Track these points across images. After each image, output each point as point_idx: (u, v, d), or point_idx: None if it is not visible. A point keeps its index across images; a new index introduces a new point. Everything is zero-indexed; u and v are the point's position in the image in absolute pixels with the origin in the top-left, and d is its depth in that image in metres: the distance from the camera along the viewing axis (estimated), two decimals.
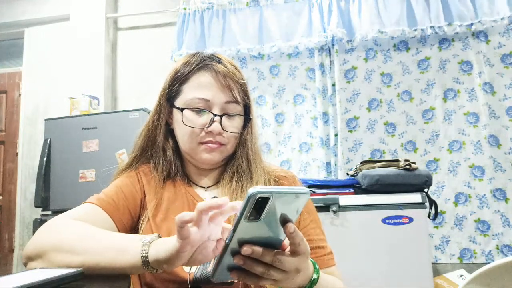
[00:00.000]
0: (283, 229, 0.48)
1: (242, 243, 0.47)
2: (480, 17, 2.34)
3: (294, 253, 0.50)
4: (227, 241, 0.46)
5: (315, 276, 0.59)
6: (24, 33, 3.21)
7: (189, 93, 0.78)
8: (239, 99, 0.80)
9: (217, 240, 0.54)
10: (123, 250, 0.57)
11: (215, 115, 0.77)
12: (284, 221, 0.47)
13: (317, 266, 0.61)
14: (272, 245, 0.50)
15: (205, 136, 0.77)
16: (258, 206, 0.44)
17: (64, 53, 2.99)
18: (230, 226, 0.53)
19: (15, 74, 3.22)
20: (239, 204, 0.48)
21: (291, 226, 0.47)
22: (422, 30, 2.38)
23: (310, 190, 1.75)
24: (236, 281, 0.51)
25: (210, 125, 0.76)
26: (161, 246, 0.54)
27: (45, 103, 3.05)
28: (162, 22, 2.97)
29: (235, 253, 0.48)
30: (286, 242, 0.50)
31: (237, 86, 0.80)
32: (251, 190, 0.43)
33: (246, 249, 0.47)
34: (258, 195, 0.43)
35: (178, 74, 0.80)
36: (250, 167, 0.81)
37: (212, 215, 0.49)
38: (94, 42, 2.88)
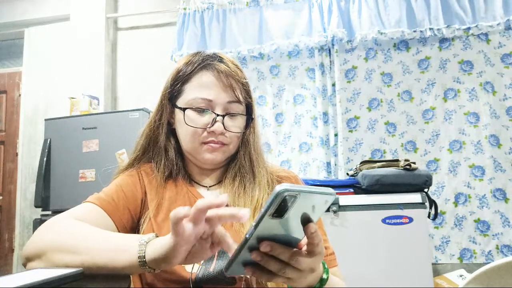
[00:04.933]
0: (304, 229, 0.47)
1: (260, 239, 0.47)
2: (477, 21, 2.34)
3: (311, 253, 0.50)
4: (247, 235, 0.46)
5: (324, 276, 0.59)
6: (24, 33, 3.21)
7: (191, 93, 0.78)
8: (241, 98, 0.79)
9: (212, 241, 0.53)
10: (121, 250, 0.56)
11: (218, 115, 0.77)
12: (306, 220, 0.47)
13: (326, 266, 0.61)
14: (289, 243, 0.49)
15: (207, 136, 0.77)
16: (281, 204, 0.43)
17: (64, 53, 2.99)
18: (222, 229, 0.52)
19: (15, 74, 3.22)
20: (239, 211, 0.48)
21: (312, 226, 0.47)
22: (421, 31, 2.39)
23: None
24: (249, 276, 0.51)
25: (213, 125, 0.76)
26: (157, 245, 0.53)
27: (45, 103, 3.05)
28: (162, 22, 2.96)
29: (253, 248, 0.48)
30: (303, 241, 0.50)
31: (239, 86, 0.79)
32: (279, 187, 0.42)
33: (266, 246, 0.47)
34: (286, 193, 0.42)
35: (180, 73, 0.80)
36: (252, 167, 0.81)
37: (209, 219, 0.49)
38: (94, 42, 2.88)
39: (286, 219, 0.45)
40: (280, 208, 0.44)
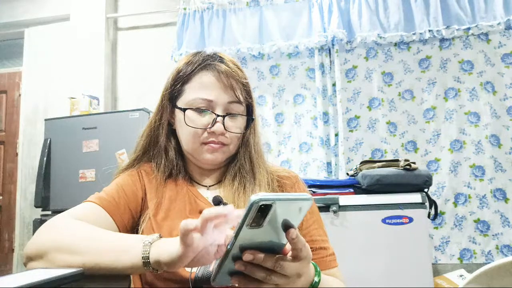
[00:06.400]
0: (285, 235, 0.48)
1: (243, 248, 0.47)
2: (477, 21, 2.35)
3: (295, 258, 0.50)
4: (228, 247, 0.46)
5: (316, 279, 0.59)
6: (24, 33, 3.21)
7: (192, 93, 0.78)
8: (241, 99, 0.79)
9: (218, 245, 0.53)
10: (123, 250, 0.57)
11: (218, 116, 0.76)
12: (286, 226, 0.47)
13: (318, 269, 0.60)
14: (274, 249, 0.49)
15: (207, 136, 0.77)
16: (260, 212, 0.43)
17: (64, 53, 2.99)
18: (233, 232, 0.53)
19: (15, 74, 3.22)
20: None
21: (293, 232, 0.47)
22: (420, 34, 2.40)
23: (310, 190, 1.75)
24: (236, 285, 0.51)
25: (213, 125, 0.76)
26: (163, 248, 0.53)
27: (45, 103, 3.05)
28: (162, 22, 2.96)
29: (237, 258, 0.48)
30: (288, 246, 0.50)
31: (240, 86, 0.79)
32: (254, 197, 0.42)
33: (248, 255, 0.47)
34: (261, 203, 0.42)
35: (181, 73, 0.80)
36: (253, 167, 0.81)
37: (217, 223, 0.49)
38: (94, 42, 2.88)
39: (266, 227, 0.45)
40: (258, 217, 0.44)
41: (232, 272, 0.50)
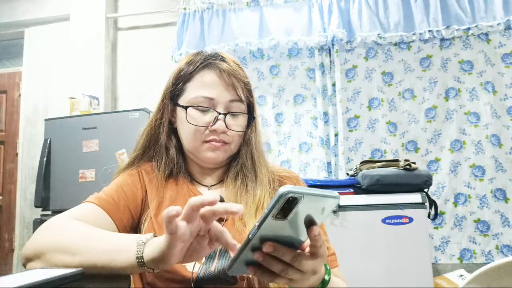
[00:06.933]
0: (308, 231, 0.48)
1: (263, 239, 0.47)
2: (477, 22, 2.35)
3: (313, 255, 0.50)
4: (250, 236, 0.46)
5: (326, 277, 0.59)
6: (24, 33, 3.21)
7: (193, 91, 0.78)
8: (243, 97, 0.79)
9: (210, 238, 0.53)
10: (120, 251, 0.56)
11: (220, 114, 0.77)
12: (310, 223, 0.47)
13: (328, 267, 0.61)
14: (292, 244, 0.50)
15: (209, 134, 0.77)
16: (285, 205, 0.43)
17: (64, 53, 2.99)
18: (219, 226, 0.52)
19: (15, 74, 3.22)
20: (233, 206, 0.48)
21: (316, 229, 0.47)
22: (420, 34, 2.40)
23: None
24: (251, 276, 0.51)
25: (214, 123, 0.76)
26: (154, 245, 0.53)
27: (45, 103, 3.05)
28: (162, 22, 2.96)
29: (255, 248, 0.48)
30: (306, 243, 0.51)
31: (241, 85, 0.79)
32: (283, 189, 0.42)
33: (268, 247, 0.47)
34: (290, 195, 0.42)
35: (182, 73, 0.80)
36: (254, 166, 0.81)
37: (203, 215, 0.49)
38: (94, 42, 2.88)
39: (289, 221, 0.45)
40: (283, 210, 0.43)
41: (249, 262, 0.49)
